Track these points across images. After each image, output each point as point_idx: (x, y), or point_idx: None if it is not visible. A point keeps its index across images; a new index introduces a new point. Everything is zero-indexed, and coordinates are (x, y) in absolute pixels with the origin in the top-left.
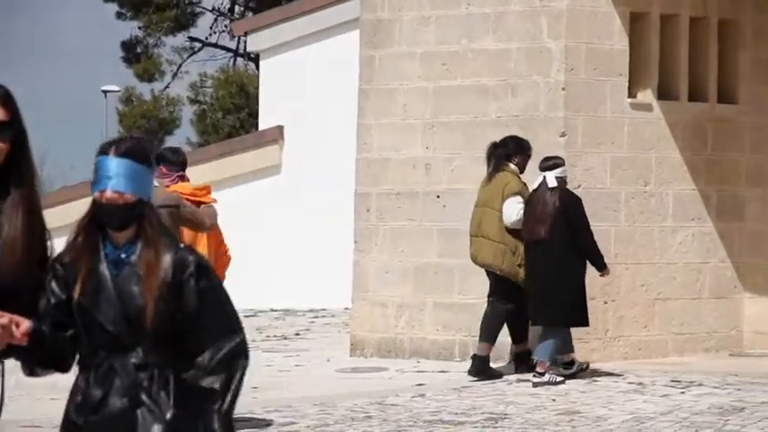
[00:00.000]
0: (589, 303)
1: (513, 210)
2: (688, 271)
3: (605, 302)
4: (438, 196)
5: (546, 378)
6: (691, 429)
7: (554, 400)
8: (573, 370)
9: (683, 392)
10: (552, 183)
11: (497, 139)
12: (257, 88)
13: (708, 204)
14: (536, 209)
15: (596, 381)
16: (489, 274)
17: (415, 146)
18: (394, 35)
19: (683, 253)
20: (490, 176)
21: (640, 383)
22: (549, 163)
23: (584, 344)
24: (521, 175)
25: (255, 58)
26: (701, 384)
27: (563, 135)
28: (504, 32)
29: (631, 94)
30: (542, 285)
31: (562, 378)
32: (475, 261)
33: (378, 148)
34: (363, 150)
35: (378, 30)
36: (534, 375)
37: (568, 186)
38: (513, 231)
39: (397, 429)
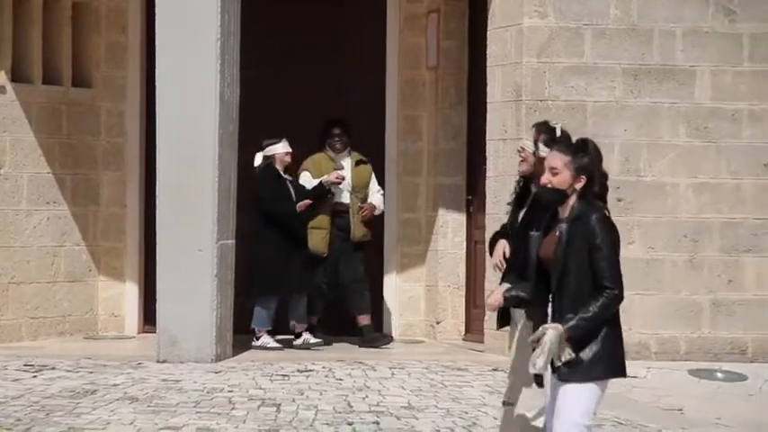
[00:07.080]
0: None
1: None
2: (43, 254)
3: None
4: None
5: (260, 342)
6: (42, 413)
7: None
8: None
9: (35, 376)
10: (258, 161)
11: None
12: None
13: (63, 188)
14: None
15: None
16: None
17: None
18: None
19: (38, 236)
20: None
21: None
22: (262, 143)
23: None
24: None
25: None
26: (53, 368)
27: None
28: None
29: None
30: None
31: (278, 345)
32: None
33: None
34: None
35: None
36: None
37: None
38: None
39: None
